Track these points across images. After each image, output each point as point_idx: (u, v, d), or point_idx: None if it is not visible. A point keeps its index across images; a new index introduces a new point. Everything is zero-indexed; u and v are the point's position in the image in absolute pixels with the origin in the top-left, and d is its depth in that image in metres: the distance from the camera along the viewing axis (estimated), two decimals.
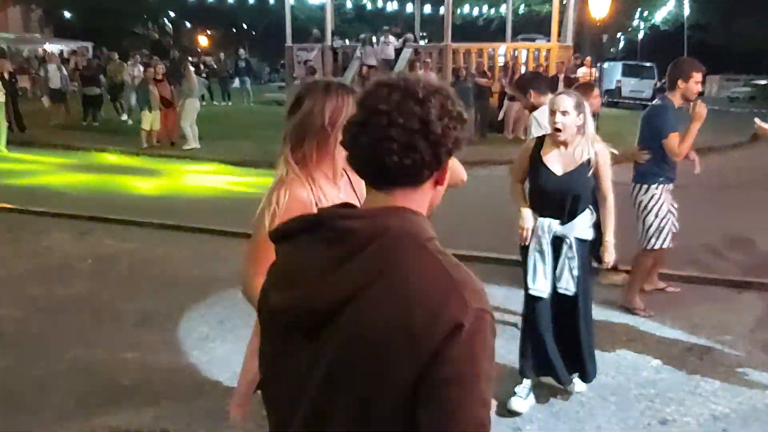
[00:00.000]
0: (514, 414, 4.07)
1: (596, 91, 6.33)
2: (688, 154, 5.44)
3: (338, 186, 2.39)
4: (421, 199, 1.48)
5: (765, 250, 7.48)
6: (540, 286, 3.96)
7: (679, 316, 5.71)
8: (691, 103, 5.62)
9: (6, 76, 15.71)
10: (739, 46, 33.12)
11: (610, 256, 4.18)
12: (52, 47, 29.83)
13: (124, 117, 18.96)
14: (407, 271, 1.36)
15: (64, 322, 5.57)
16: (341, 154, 2.13)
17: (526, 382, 4.17)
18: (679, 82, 5.46)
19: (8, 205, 9.58)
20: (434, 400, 1.32)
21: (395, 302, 1.33)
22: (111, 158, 14.40)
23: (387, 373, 1.34)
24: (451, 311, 1.31)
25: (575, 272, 3.91)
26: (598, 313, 5.62)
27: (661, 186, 5.56)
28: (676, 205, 5.73)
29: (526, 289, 4.10)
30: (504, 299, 5.90)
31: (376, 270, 1.36)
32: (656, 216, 5.55)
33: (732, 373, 4.74)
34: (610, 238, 4.14)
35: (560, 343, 4.05)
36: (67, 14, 42.18)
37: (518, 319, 4.69)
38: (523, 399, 4.13)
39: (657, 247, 5.62)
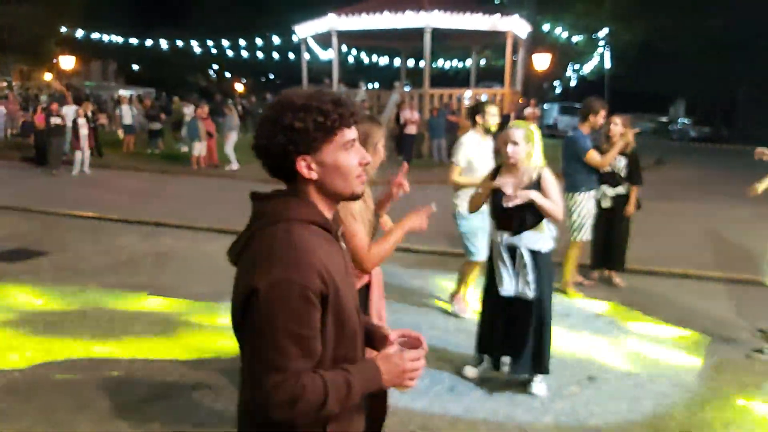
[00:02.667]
0: (461, 376, 4.04)
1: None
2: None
3: None
4: (304, 190, 1.47)
5: (662, 245, 7.53)
6: (507, 287, 3.73)
7: (601, 298, 5.73)
8: (611, 129, 5.70)
9: (89, 114, 15.72)
10: (646, 92, 33.24)
11: (514, 193, 3.62)
12: (125, 92, 29.72)
13: (182, 146, 19.00)
14: (256, 242, 1.42)
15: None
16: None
17: (478, 357, 4.08)
18: (590, 116, 5.59)
19: (91, 213, 9.55)
20: (244, 344, 1.41)
21: (243, 261, 1.43)
22: (169, 178, 14.36)
23: (234, 319, 1.43)
24: (253, 278, 1.36)
25: (529, 278, 3.67)
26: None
27: (584, 193, 5.62)
28: (594, 210, 5.78)
29: (485, 288, 3.96)
30: None
31: (247, 236, 1.45)
32: (578, 215, 5.63)
33: (642, 340, 4.75)
34: (536, 195, 3.61)
35: (514, 338, 3.81)
36: (135, 66, 42.15)
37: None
38: (473, 368, 4.08)
39: (579, 239, 5.68)
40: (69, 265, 6.84)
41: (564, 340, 4.72)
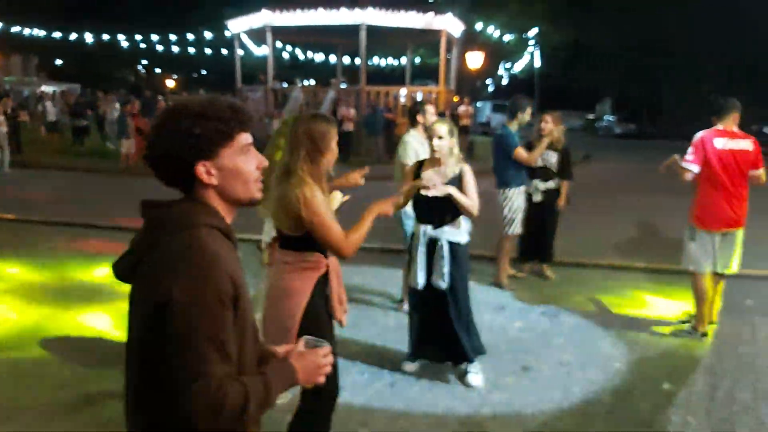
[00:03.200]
0: (401, 371, 4.07)
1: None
2: None
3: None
4: (205, 196, 1.45)
5: (590, 237, 7.82)
6: (415, 281, 3.86)
7: (533, 290, 5.90)
8: (542, 127, 5.88)
9: (9, 111, 14.90)
10: (574, 89, 34.47)
11: (431, 184, 3.67)
12: (47, 88, 28.26)
13: (108, 144, 18.32)
14: (162, 251, 1.37)
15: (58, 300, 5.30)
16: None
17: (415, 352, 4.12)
18: (518, 113, 5.78)
19: (12, 216, 9.02)
20: (161, 353, 1.33)
21: (146, 272, 1.39)
22: (97, 176, 13.75)
23: (135, 327, 1.39)
24: (165, 288, 1.31)
25: (445, 269, 3.77)
26: (477, 288, 5.75)
27: (513, 189, 5.78)
28: (524, 205, 5.93)
29: (410, 285, 4.04)
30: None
31: (147, 246, 1.41)
32: (509, 210, 5.78)
33: (573, 330, 4.92)
34: (453, 190, 3.71)
35: (438, 329, 3.92)
36: (59, 61, 40.08)
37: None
38: (411, 362, 4.12)
39: (510, 233, 5.83)
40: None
41: (499, 333, 4.83)
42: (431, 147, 3.83)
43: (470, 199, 3.79)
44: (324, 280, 2.73)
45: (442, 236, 3.83)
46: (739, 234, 4.63)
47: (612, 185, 13.15)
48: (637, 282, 6.22)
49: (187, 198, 1.47)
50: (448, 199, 3.76)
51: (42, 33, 31.67)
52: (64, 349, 4.46)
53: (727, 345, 4.61)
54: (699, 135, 4.56)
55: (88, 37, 33.11)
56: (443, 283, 3.81)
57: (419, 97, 18.82)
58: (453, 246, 3.84)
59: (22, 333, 4.74)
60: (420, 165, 4.01)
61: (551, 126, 5.91)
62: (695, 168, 4.51)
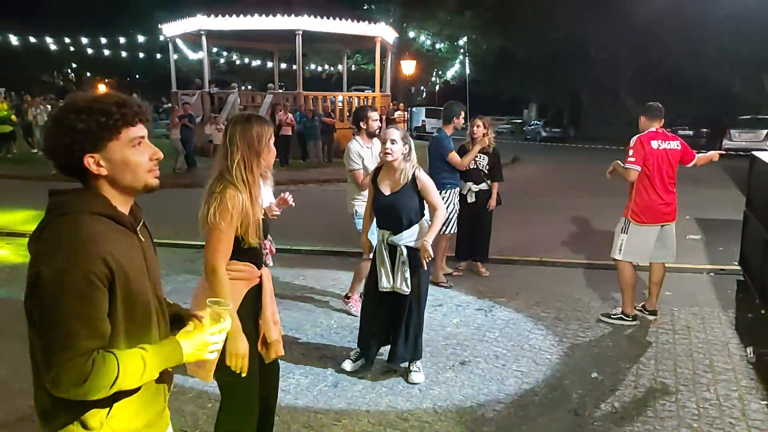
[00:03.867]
0: (343, 372, 4.04)
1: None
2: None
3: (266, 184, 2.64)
4: (96, 185, 1.52)
5: (521, 236, 8.04)
6: (383, 284, 3.84)
7: (469, 287, 5.99)
8: (474, 131, 6.00)
9: None
10: (503, 96, 35.42)
11: (426, 253, 3.70)
12: None
13: (35, 150, 17.35)
14: (46, 232, 1.45)
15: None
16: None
17: (357, 352, 4.11)
18: (453, 118, 5.93)
19: None
20: (33, 326, 1.43)
21: (33, 254, 1.45)
22: (25, 184, 12.97)
23: (25, 305, 1.45)
24: (39, 264, 1.40)
25: (407, 274, 3.77)
26: None
27: (449, 190, 5.88)
28: (458, 205, 6.04)
29: (367, 284, 4.05)
30: (348, 282, 5.92)
31: (38, 231, 1.48)
32: (446, 210, 5.85)
33: (506, 324, 5.02)
34: (430, 238, 3.74)
35: (391, 329, 3.94)
36: None
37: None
38: (352, 362, 4.09)
39: (446, 232, 5.92)
40: None
41: (438, 329, 4.87)
42: (384, 152, 3.76)
43: (435, 205, 3.82)
44: (257, 294, 2.55)
45: (400, 242, 3.80)
46: (673, 227, 4.94)
47: (540, 186, 13.55)
48: (566, 276, 6.42)
49: (82, 187, 1.54)
50: (404, 205, 3.76)
51: None
52: None
53: (649, 334, 4.82)
54: (636, 138, 4.81)
55: (13, 39, 31.22)
56: (407, 289, 3.79)
57: (356, 102, 18.87)
58: (411, 251, 3.81)
59: None
60: (377, 172, 3.96)
61: (483, 130, 6.04)
62: (638, 167, 4.74)
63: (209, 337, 1.63)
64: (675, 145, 4.85)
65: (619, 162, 4.96)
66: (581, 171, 15.54)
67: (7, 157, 16.14)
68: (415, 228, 3.86)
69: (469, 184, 6.14)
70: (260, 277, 2.57)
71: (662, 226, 4.87)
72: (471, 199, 6.17)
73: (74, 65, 42.10)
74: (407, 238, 3.82)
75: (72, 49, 34.24)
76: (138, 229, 1.61)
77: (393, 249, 3.84)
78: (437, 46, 32.78)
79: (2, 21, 30.41)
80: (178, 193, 9.23)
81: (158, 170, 1.59)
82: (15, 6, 31.75)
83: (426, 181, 3.83)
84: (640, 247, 4.88)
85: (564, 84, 31.72)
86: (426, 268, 3.90)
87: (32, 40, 31.56)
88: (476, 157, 6.05)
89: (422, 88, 38.80)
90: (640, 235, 4.85)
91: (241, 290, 2.51)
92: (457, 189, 6.00)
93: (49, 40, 32.32)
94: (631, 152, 4.80)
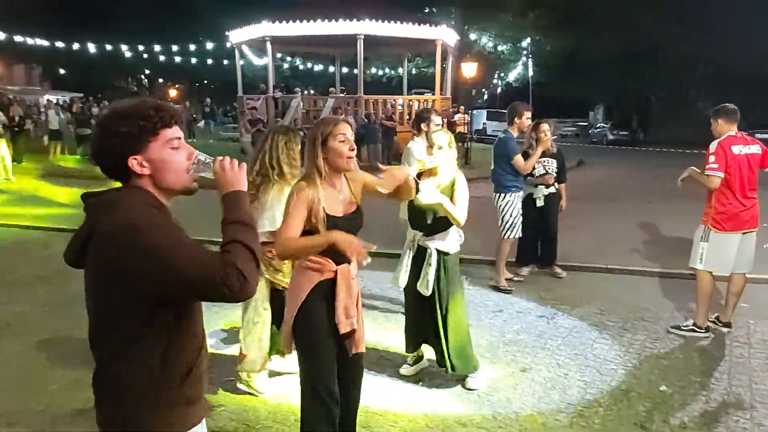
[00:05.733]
0: (404, 376, 4.05)
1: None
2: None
3: (336, 187, 2.69)
4: (140, 184, 1.61)
5: (586, 242, 7.82)
6: (399, 282, 3.89)
7: (530, 293, 5.88)
8: (537, 136, 5.89)
9: (17, 119, 14.89)
10: (567, 98, 34.54)
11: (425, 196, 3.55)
12: (50, 97, 28.23)
13: None
14: (100, 228, 1.53)
15: (63, 313, 5.25)
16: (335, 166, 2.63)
17: (415, 356, 4.12)
18: (515, 119, 5.79)
19: (20, 223, 9.00)
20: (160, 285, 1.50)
21: (96, 248, 1.53)
22: (101, 184, 13.68)
23: (98, 295, 1.57)
24: (124, 238, 1.47)
25: (430, 278, 3.73)
26: (476, 292, 5.76)
27: (513, 194, 5.79)
28: (521, 209, 5.94)
29: (406, 289, 4.02)
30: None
31: (88, 230, 1.56)
32: (510, 215, 5.79)
33: (569, 333, 4.90)
34: (448, 205, 3.61)
35: (433, 335, 3.88)
36: (62, 71, 40.05)
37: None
38: (410, 366, 4.10)
39: (509, 236, 5.83)
40: None
41: (498, 335, 4.81)
42: (429, 155, 3.77)
43: (459, 208, 3.69)
44: (330, 287, 2.66)
45: (431, 245, 3.79)
46: (755, 235, 4.71)
47: (606, 190, 13.15)
48: (634, 285, 6.20)
49: (123, 186, 1.63)
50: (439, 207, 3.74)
51: (45, 43, 31.60)
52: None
53: (722, 347, 4.59)
54: (717, 143, 4.58)
55: (91, 47, 33.05)
56: (427, 291, 3.77)
57: (416, 105, 18.89)
58: (441, 255, 3.80)
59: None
60: (418, 175, 3.96)
61: (549, 134, 5.95)
62: (721, 174, 4.53)
63: (228, 162, 1.68)
64: (756, 149, 4.62)
65: (695, 169, 4.73)
66: (651, 175, 14.98)
67: (84, 158, 17.07)
68: (449, 232, 3.83)
69: (540, 188, 6.07)
70: (336, 271, 2.65)
71: (743, 233, 4.64)
72: (541, 203, 6.11)
73: (147, 72, 44.11)
74: (439, 241, 3.81)
75: (145, 56, 35.90)
76: None
77: (421, 250, 3.84)
78: (499, 48, 32.39)
79: (82, 31, 32.24)
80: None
81: (198, 177, 1.68)
82: (94, 17, 33.62)
83: (462, 186, 3.74)
84: (722, 256, 4.65)
85: (633, 85, 30.61)
86: (456, 273, 3.88)
87: (108, 48, 33.28)
88: (544, 161, 5.99)
89: (483, 90, 38.40)
90: (721, 243, 4.63)
91: (311, 279, 2.64)
92: (521, 192, 5.90)
93: (124, 47, 34.01)
94: (712, 158, 4.57)
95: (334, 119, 2.72)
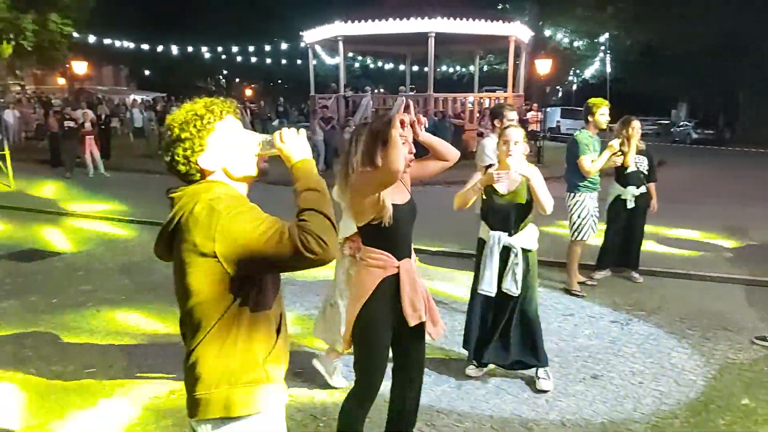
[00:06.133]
0: (469, 377, 4.01)
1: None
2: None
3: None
4: (216, 177, 1.71)
5: (669, 247, 7.48)
6: (486, 287, 3.78)
7: (603, 297, 5.70)
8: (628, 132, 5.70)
9: (102, 117, 15.85)
10: (648, 95, 33.08)
11: (496, 175, 3.57)
12: (136, 97, 29.88)
13: None
14: (186, 217, 1.62)
15: (143, 301, 5.56)
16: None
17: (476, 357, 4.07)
18: (589, 116, 5.60)
19: (104, 214, 9.57)
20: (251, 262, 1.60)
21: (183, 237, 1.62)
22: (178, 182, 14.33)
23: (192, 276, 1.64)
24: (212, 220, 1.56)
25: (518, 276, 3.69)
26: (546, 294, 5.64)
27: (583, 194, 5.61)
28: (596, 210, 5.74)
29: (472, 283, 3.98)
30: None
31: (176, 221, 1.65)
32: (578, 216, 5.63)
33: (645, 340, 4.72)
34: (536, 180, 3.58)
35: (506, 333, 3.83)
36: (146, 72, 42.25)
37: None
38: (475, 367, 4.06)
39: (579, 238, 5.67)
40: (82, 265, 6.86)
41: (568, 339, 4.70)
42: (507, 153, 3.70)
43: (543, 193, 3.64)
44: (394, 283, 2.68)
45: (516, 244, 3.74)
46: None
47: (689, 192, 12.51)
48: (717, 292, 5.89)
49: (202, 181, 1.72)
50: (522, 206, 3.71)
51: (131, 45, 33.44)
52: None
53: None
54: None
55: (173, 49, 34.70)
56: (516, 290, 3.72)
57: (486, 103, 18.68)
58: (526, 253, 3.77)
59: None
60: (489, 168, 3.94)
61: (639, 131, 5.73)
62: None
63: (288, 132, 1.75)
64: None
65: None
66: (738, 177, 14.15)
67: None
68: (531, 228, 3.79)
69: (631, 188, 5.86)
70: (398, 267, 2.67)
71: None
72: (631, 204, 5.90)
73: (225, 72, 45.79)
74: (522, 239, 3.75)
75: (223, 57, 37.31)
76: None
77: (504, 251, 3.77)
78: (575, 43, 31.41)
79: (165, 34, 33.92)
80: None
81: (266, 158, 1.78)
82: (176, 20, 35.30)
83: (538, 176, 3.66)
84: None
85: (718, 81, 28.91)
86: (535, 271, 3.85)
87: (189, 49, 34.83)
88: (636, 159, 5.79)
89: (558, 87, 37.42)
90: None
91: (376, 277, 2.65)
92: (594, 194, 5.71)
93: (204, 49, 35.49)
94: None
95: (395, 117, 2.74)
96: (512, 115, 4.95)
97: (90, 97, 27.18)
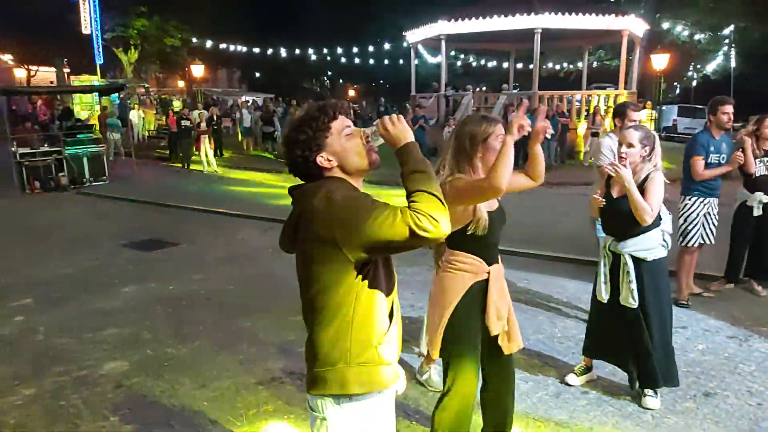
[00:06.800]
0: (569, 385, 3.89)
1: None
2: None
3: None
4: (333, 175, 1.80)
5: None
6: (603, 294, 3.62)
7: (720, 311, 5.30)
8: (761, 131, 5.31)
9: (214, 117, 16.89)
10: None
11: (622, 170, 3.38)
12: (247, 98, 31.50)
13: None
14: (308, 210, 1.73)
15: (250, 292, 5.86)
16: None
17: (583, 364, 3.95)
18: (711, 116, 5.21)
19: (216, 209, 10.19)
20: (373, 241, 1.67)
21: (305, 228, 1.75)
22: (285, 178, 14.97)
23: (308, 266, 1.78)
24: (330, 213, 1.66)
25: (633, 286, 3.47)
26: None
27: (694, 198, 5.25)
28: (714, 217, 5.35)
29: (594, 290, 3.84)
30: (575, 292, 5.71)
31: (297, 215, 1.79)
32: (685, 220, 5.28)
33: (766, 358, 4.34)
34: (631, 186, 3.36)
35: (624, 341, 3.62)
36: (257, 74, 44.49)
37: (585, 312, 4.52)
38: (576, 376, 3.92)
39: (685, 244, 5.32)
40: (196, 255, 7.35)
41: (678, 353, 4.40)
42: (619, 155, 3.53)
43: (648, 199, 3.39)
44: (482, 288, 2.64)
45: (624, 250, 3.54)
46: None
47: None
48: None
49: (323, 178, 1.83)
50: (630, 211, 3.44)
51: (243, 49, 35.35)
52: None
53: None
54: None
55: (282, 52, 36.30)
56: (633, 302, 3.51)
57: (595, 101, 17.93)
58: (638, 262, 3.53)
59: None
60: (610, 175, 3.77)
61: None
62: None
63: (392, 119, 1.81)
64: None
65: None
66: None
67: (273, 155, 18.75)
68: (646, 237, 3.51)
69: (759, 194, 5.42)
70: (488, 273, 2.64)
71: None
72: (758, 212, 5.45)
73: (329, 73, 47.23)
74: (632, 246, 3.52)
75: (328, 59, 38.49)
76: None
77: (616, 258, 3.58)
78: (696, 36, 29.34)
79: (275, 38, 35.56)
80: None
81: (376, 149, 1.86)
82: (285, 24, 36.91)
83: (656, 180, 3.43)
84: None
85: None
86: (658, 283, 3.55)
87: (297, 52, 36.28)
88: (766, 160, 5.36)
89: (675, 84, 35.15)
90: None
91: (466, 282, 2.63)
92: (710, 199, 5.30)
93: (310, 51, 36.82)
94: None
95: (495, 119, 2.70)
96: (636, 116, 4.70)
97: (206, 98, 29.01)
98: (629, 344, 3.60)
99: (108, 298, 5.77)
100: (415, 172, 1.70)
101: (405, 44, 22.83)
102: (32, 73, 33.33)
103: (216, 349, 4.54)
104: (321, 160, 1.79)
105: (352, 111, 22.26)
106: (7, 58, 32.37)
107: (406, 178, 1.71)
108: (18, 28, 25.10)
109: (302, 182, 1.85)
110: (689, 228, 5.29)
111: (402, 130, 1.77)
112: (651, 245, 3.54)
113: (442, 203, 1.64)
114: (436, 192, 1.65)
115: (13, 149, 12.33)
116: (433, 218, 1.59)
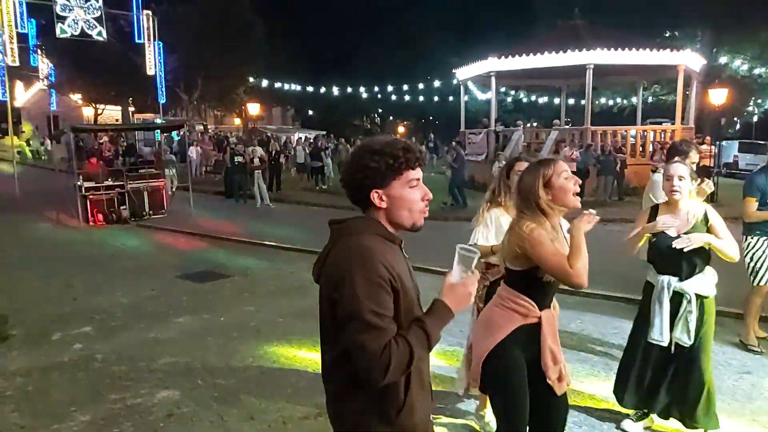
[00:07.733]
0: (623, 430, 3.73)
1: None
2: None
3: (556, 228, 2.61)
4: (376, 215, 1.77)
5: None
6: (657, 336, 3.48)
7: None
8: None
9: (273, 153, 17.38)
10: None
11: (664, 224, 3.41)
12: (300, 135, 32.32)
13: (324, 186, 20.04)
14: (335, 252, 1.74)
15: (300, 325, 5.90)
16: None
17: (641, 413, 3.75)
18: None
19: (269, 242, 10.39)
20: (335, 335, 1.70)
21: (326, 270, 1.75)
22: (336, 212, 15.14)
23: (323, 313, 1.75)
24: (334, 277, 1.67)
25: (692, 325, 3.41)
26: (718, 349, 5.06)
27: (756, 237, 5.01)
28: None
29: (633, 329, 3.74)
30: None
31: (327, 251, 1.78)
32: (751, 258, 5.03)
33: None
34: (715, 241, 3.37)
35: (668, 384, 3.53)
36: (310, 111, 45.74)
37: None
38: (633, 422, 3.75)
39: (757, 284, 5.05)
40: (248, 287, 7.48)
41: (743, 401, 4.17)
42: (671, 189, 3.46)
43: (727, 240, 3.36)
44: (531, 331, 2.58)
45: (690, 290, 3.43)
46: None
47: None
48: None
49: (362, 216, 1.80)
50: (696, 249, 3.37)
51: (297, 87, 36.49)
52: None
53: None
54: None
55: (334, 90, 37.27)
56: (689, 341, 3.42)
57: (651, 137, 17.54)
58: (701, 299, 3.45)
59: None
60: (655, 209, 3.66)
61: None
62: None
63: (471, 287, 1.77)
64: None
65: None
66: None
67: (322, 188, 19.03)
68: (708, 272, 3.46)
69: None
70: (540, 317, 2.58)
71: None
72: None
73: (380, 110, 48.06)
74: (699, 284, 3.43)
75: (379, 96, 39.22)
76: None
77: (676, 297, 3.46)
78: (756, 71, 28.48)
79: (328, 76, 36.58)
80: (443, 225, 9.74)
81: (426, 213, 1.82)
82: (337, 64, 38.00)
83: (716, 216, 3.43)
84: None
85: None
86: (712, 320, 3.46)
87: (348, 90, 37.16)
88: None
89: (735, 119, 34.05)
90: None
91: (515, 321, 2.58)
92: None
93: (361, 89, 37.65)
94: None
95: (549, 159, 2.67)
96: (695, 157, 4.56)
97: (261, 135, 29.92)
98: (680, 384, 3.48)
99: (162, 327, 5.92)
100: (425, 332, 1.67)
101: (455, 81, 23.04)
102: (99, 111, 35.26)
103: (264, 382, 4.58)
104: (375, 196, 1.74)
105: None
106: (77, 97, 34.40)
107: (417, 326, 1.68)
108: (87, 69, 26.66)
109: (342, 218, 1.84)
110: (758, 267, 5.04)
111: (466, 294, 1.76)
112: (712, 282, 3.48)
113: (410, 362, 1.61)
114: (414, 356, 1.62)
115: (78, 183, 12.96)
116: (388, 370, 1.57)
